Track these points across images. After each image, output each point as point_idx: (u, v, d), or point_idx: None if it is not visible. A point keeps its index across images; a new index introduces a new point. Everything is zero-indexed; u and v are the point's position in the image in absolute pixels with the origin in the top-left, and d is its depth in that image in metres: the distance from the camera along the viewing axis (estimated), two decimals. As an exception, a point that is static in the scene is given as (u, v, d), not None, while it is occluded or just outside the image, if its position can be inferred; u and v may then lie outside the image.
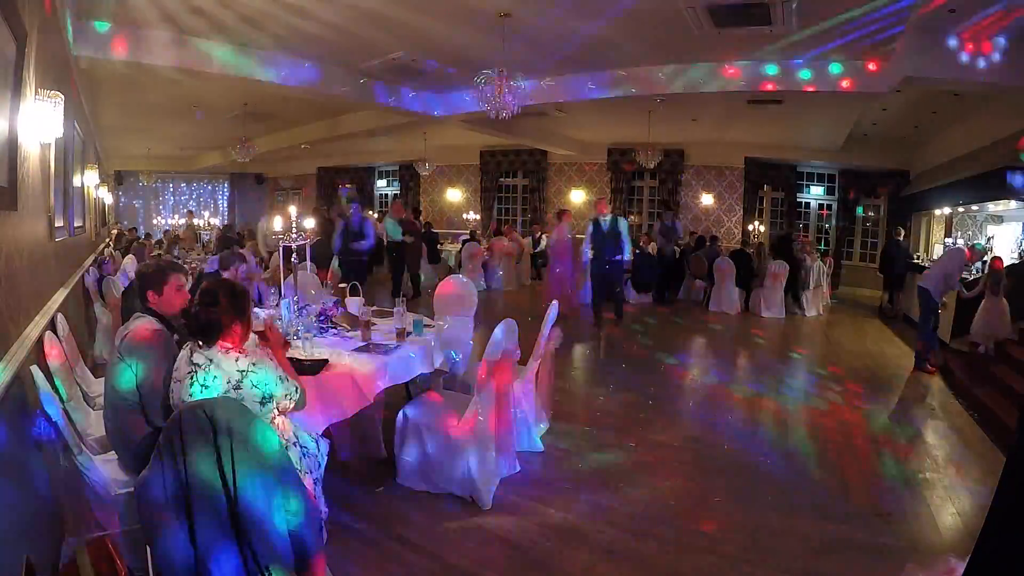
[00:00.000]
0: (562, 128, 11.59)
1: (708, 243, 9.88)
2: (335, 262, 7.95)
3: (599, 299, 7.67)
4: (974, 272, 6.80)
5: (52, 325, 3.01)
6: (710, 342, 7.33)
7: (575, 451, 3.70)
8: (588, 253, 7.65)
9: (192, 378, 1.99)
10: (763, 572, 2.51)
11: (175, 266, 2.55)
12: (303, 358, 2.88)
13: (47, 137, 2.94)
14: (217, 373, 2.00)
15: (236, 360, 2.05)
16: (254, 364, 2.07)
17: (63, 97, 2.78)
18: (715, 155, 11.99)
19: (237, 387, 2.01)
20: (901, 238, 9.30)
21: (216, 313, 2.04)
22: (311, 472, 2.23)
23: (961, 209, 8.78)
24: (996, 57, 5.41)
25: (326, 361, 2.87)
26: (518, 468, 3.32)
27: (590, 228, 7.60)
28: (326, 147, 13.72)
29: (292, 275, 3.57)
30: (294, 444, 2.22)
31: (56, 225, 3.77)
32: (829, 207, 12.55)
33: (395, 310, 3.67)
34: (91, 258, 6.64)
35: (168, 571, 1.68)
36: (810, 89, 6.46)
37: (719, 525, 2.89)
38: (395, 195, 16.23)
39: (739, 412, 4.60)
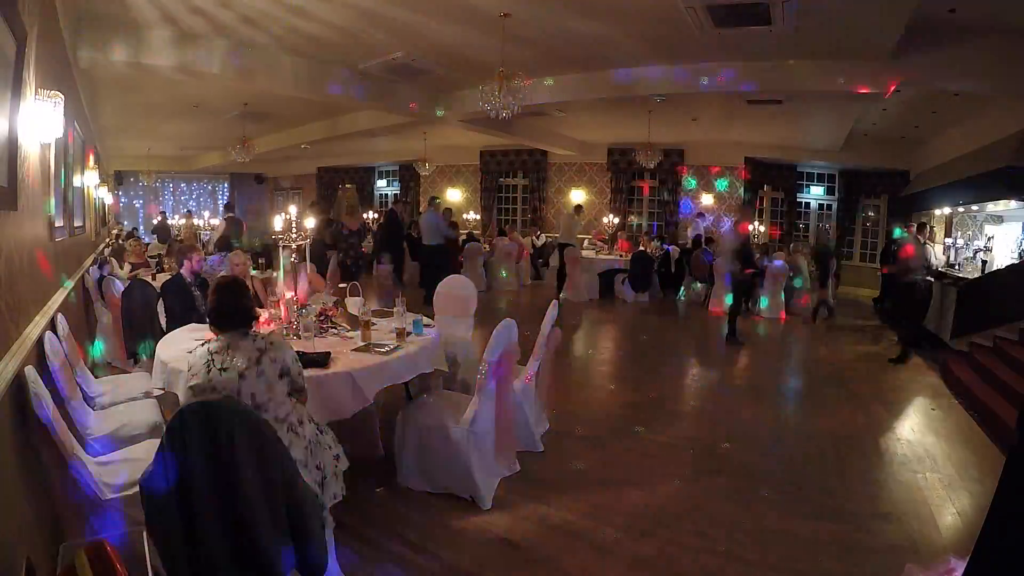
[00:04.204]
0: (562, 128, 11.58)
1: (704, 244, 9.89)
2: (334, 262, 7.95)
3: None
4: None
5: (52, 325, 3.01)
6: (710, 342, 7.33)
7: (575, 451, 3.70)
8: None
9: (209, 366, 2.10)
10: (763, 572, 2.51)
11: None
12: (307, 351, 2.88)
13: (47, 137, 2.94)
14: (235, 355, 2.12)
15: (254, 340, 2.18)
16: (271, 343, 2.20)
17: (63, 97, 2.78)
18: (715, 155, 11.99)
19: (258, 362, 2.12)
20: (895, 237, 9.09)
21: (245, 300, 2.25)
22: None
23: (961, 209, 8.78)
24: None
25: (329, 353, 2.88)
26: (518, 468, 3.32)
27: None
28: (326, 147, 13.71)
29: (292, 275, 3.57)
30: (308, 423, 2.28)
31: (56, 225, 3.76)
32: (829, 207, 12.56)
33: (395, 310, 3.67)
34: (91, 258, 6.64)
35: (170, 568, 1.69)
36: (810, 89, 6.46)
37: (719, 525, 2.89)
38: (395, 195, 16.23)
39: (739, 412, 4.60)
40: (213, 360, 2.10)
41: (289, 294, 3.40)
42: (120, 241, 9.52)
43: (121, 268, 6.82)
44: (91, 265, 6.13)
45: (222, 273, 4.93)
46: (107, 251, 8.28)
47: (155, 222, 14.53)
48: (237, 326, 2.18)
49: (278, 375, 2.15)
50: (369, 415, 3.31)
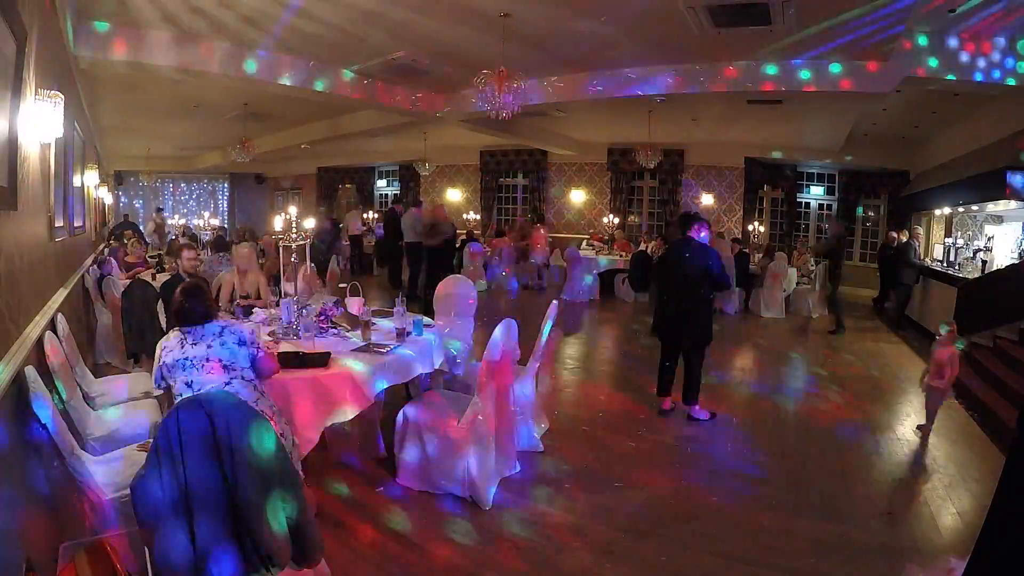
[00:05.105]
0: (562, 128, 11.58)
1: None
2: (334, 262, 7.95)
3: None
4: None
5: (52, 325, 3.01)
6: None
7: (575, 451, 3.70)
8: None
9: (183, 342, 2.46)
10: (763, 572, 2.51)
11: None
12: (306, 351, 2.89)
13: (47, 137, 2.94)
14: (203, 334, 2.48)
15: (214, 323, 2.54)
16: (228, 323, 2.58)
17: (63, 97, 2.78)
18: (715, 155, 11.99)
19: (220, 335, 2.48)
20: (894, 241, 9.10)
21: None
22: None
23: (961, 209, 8.77)
24: (996, 57, 5.42)
25: (329, 353, 2.88)
26: (518, 468, 3.32)
27: None
28: (326, 147, 13.71)
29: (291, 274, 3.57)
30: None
31: (56, 225, 3.76)
32: (829, 207, 12.55)
33: (395, 310, 3.67)
34: (91, 258, 6.64)
35: (167, 570, 1.68)
36: (810, 89, 6.45)
37: (719, 525, 2.89)
38: (395, 195, 16.24)
39: (739, 412, 4.59)
40: (186, 338, 2.45)
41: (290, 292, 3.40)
42: (111, 242, 9.35)
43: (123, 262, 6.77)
44: (91, 265, 6.13)
45: (221, 272, 4.94)
46: (106, 251, 8.27)
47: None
48: (198, 322, 2.49)
49: (237, 344, 2.48)
50: (369, 415, 3.31)
